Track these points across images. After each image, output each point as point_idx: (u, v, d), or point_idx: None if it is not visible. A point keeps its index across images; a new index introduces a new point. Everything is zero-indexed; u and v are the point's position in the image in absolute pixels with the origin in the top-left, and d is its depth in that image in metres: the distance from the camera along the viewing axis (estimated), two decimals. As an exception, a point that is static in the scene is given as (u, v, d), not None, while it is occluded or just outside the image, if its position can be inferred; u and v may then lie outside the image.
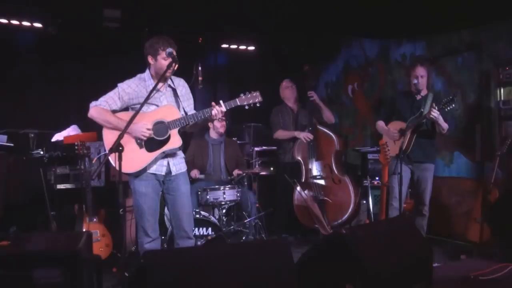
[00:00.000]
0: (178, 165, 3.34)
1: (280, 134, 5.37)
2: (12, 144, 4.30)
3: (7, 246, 2.39)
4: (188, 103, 3.40)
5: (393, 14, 5.05)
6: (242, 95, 3.20)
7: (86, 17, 5.38)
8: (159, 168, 3.26)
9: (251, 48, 6.73)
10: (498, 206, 4.34)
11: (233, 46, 6.68)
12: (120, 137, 2.90)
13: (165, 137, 3.16)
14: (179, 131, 3.21)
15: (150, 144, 3.17)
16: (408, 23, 5.26)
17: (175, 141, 3.18)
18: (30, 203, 4.43)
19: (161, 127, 3.16)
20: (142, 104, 3.09)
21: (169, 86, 3.37)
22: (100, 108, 3.22)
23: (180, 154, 3.40)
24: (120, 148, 2.89)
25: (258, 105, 3.20)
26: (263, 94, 3.29)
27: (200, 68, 4.44)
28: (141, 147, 3.17)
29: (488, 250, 4.29)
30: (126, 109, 3.33)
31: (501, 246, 4.23)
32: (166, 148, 3.18)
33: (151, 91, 3.10)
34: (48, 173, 4.47)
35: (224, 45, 6.65)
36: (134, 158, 3.15)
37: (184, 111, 3.33)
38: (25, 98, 5.52)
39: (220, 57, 6.87)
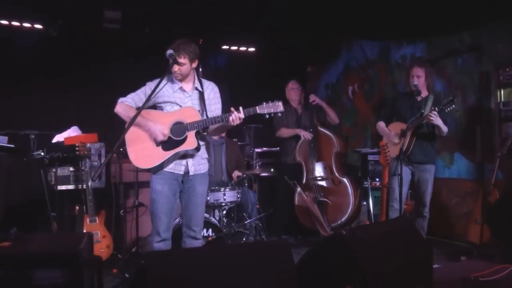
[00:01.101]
0: (197, 165, 3.36)
1: (283, 132, 5.37)
2: (12, 145, 4.29)
3: (8, 247, 2.39)
4: (215, 107, 3.42)
5: (393, 16, 5.06)
6: (264, 103, 3.17)
7: (87, 19, 5.39)
8: (178, 168, 3.31)
9: (252, 49, 6.75)
10: (498, 207, 4.34)
11: (234, 48, 6.69)
12: (122, 137, 2.95)
13: (182, 137, 3.20)
14: (198, 133, 3.23)
15: (167, 143, 3.22)
16: (408, 24, 5.27)
17: (191, 142, 3.20)
18: (30, 204, 4.43)
19: (179, 128, 3.20)
20: (145, 102, 3.17)
21: (196, 89, 3.40)
22: (125, 105, 3.31)
23: (202, 155, 3.42)
24: (121, 149, 2.92)
25: (279, 114, 3.21)
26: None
27: (200, 69, 4.45)
28: (157, 145, 3.23)
29: (488, 251, 4.29)
30: (153, 107, 3.41)
31: (501, 247, 4.22)
32: (181, 149, 3.21)
33: (154, 89, 3.17)
34: (48, 174, 4.46)
35: (225, 47, 6.66)
36: (149, 155, 3.22)
37: (206, 115, 3.35)
38: (25, 99, 5.53)
39: (220, 58, 6.88)
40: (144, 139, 3.23)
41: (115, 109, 3.34)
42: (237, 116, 3.12)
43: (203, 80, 3.47)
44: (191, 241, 3.38)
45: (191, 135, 3.19)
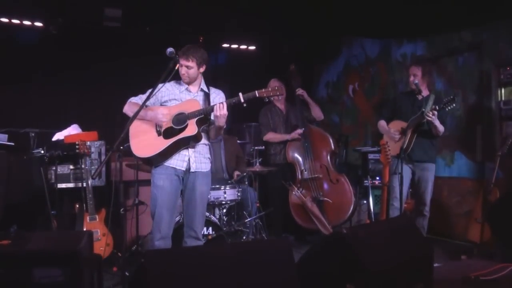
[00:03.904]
0: (199, 163, 3.38)
1: (271, 137, 5.24)
2: (12, 143, 4.28)
3: (8, 245, 2.38)
4: None
5: (394, 14, 5.05)
6: (263, 89, 3.20)
7: (87, 17, 5.38)
8: (180, 163, 3.33)
9: (252, 47, 6.73)
10: (499, 206, 4.34)
11: (234, 46, 6.68)
12: (123, 134, 2.99)
13: (183, 126, 3.23)
14: (199, 123, 3.24)
15: (168, 132, 3.26)
16: (409, 23, 5.26)
17: (191, 129, 3.22)
18: (30, 202, 4.42)
19: (180, 117, 3.25)
20: (147, 97, 3.20)
21: (202, 90, 3.45)
22: (131, 103, 3.40)
23: (205, 154, 3.45)
24: (121, 147, 2.93)
25: (279, 98, 3.21)
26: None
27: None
28: (159, 134, 3.28)
29: (489, 250, 4.29)
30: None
31: (501, 246, 4.23)
32: (181, 135, 3.23)
33: (154, 88, 3.21)
34: (48, 172, 4.46)
35: (225, 45, 6.65)
36: (150, 144, 3.28)
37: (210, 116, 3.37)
38: (25, 97, 5.52)
39: (220, 57, 6.87)
40: (147, 130, 3.30)
41: (123, 109, 3.41)
42: (218, 106, 3.13)
43: (211, 87, 3.53)
44: (192, 241, 3.39)
45: (191, 123, 3.22)
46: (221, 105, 3.14)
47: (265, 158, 5.47)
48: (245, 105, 3.17)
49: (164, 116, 3.26)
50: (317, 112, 5.31)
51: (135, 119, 3.21)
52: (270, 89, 3.19)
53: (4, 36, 5.35)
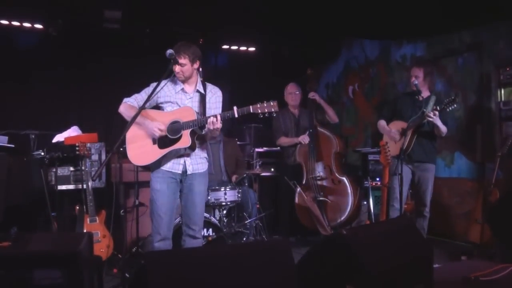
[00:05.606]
0: (195, 165, 3.40)
1: (283, 141, 5.41)
2: (13, 145, 4.29)
3: (8, 247, 2.39)
4: (214, 112, 3.42)
5: (394, 15, 5.05)
6: (258, 103, 3.12)
7: (87, 18, 5.39)
8: (175, 167, 3.35)
9: (252, 49, 6.74)
10: (499, 207, 4.34)
11: (234, 47, 6.69)
12: (122, 136, 3.03)
13: (177, 136, 3.23)
14: (193, 133, 3.25)
15: (163, 141, 3.27)
16: (409, 24, 5.26)
17: (185, 141, 3.22)
18: (30, 204, 4.43)
19: (175, 127, 3.24)
20: (145, 101, 3.22)
21: (198, 91, 3.43)
22: (127, 105, 3.39)
23: (200, 154, 3.45)
24: (121, 149, 2.94)
25: (274, 115, 3.17)
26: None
27: (200, 69, 4.44)
28: (154, 143, 3.29)
29: (489, 251, 4.29)
30: (156, 107, 3.45)
31: (501, 247, 4.22)
32: (175, 147, 3.25)
33: (154, 89, 3.23)
34: (48, 174, 4.47)
35: (225, 46, 6.66)
36: (145, 153, 3.30)
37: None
38: (25, 99, 5.52)
39: (220, 58, 6.88)
40: (142, 138, 3.31)
41: (119, 109, 3.40)
42: (211, 120, 3.11)
43: (208, 84, 3.50)
44: (190, 240, 3.42)
45: (185, 134, 3.22)
46: (215, 119, 3.11)
47: (281, 161, 5.59)
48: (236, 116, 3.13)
49: (160, 128, 3.23)
50: (331, 115, 5.36)
51: (133, 125, 3.22)
52: (265, 104, 3.09)
53: (4, 38, 5.35)
